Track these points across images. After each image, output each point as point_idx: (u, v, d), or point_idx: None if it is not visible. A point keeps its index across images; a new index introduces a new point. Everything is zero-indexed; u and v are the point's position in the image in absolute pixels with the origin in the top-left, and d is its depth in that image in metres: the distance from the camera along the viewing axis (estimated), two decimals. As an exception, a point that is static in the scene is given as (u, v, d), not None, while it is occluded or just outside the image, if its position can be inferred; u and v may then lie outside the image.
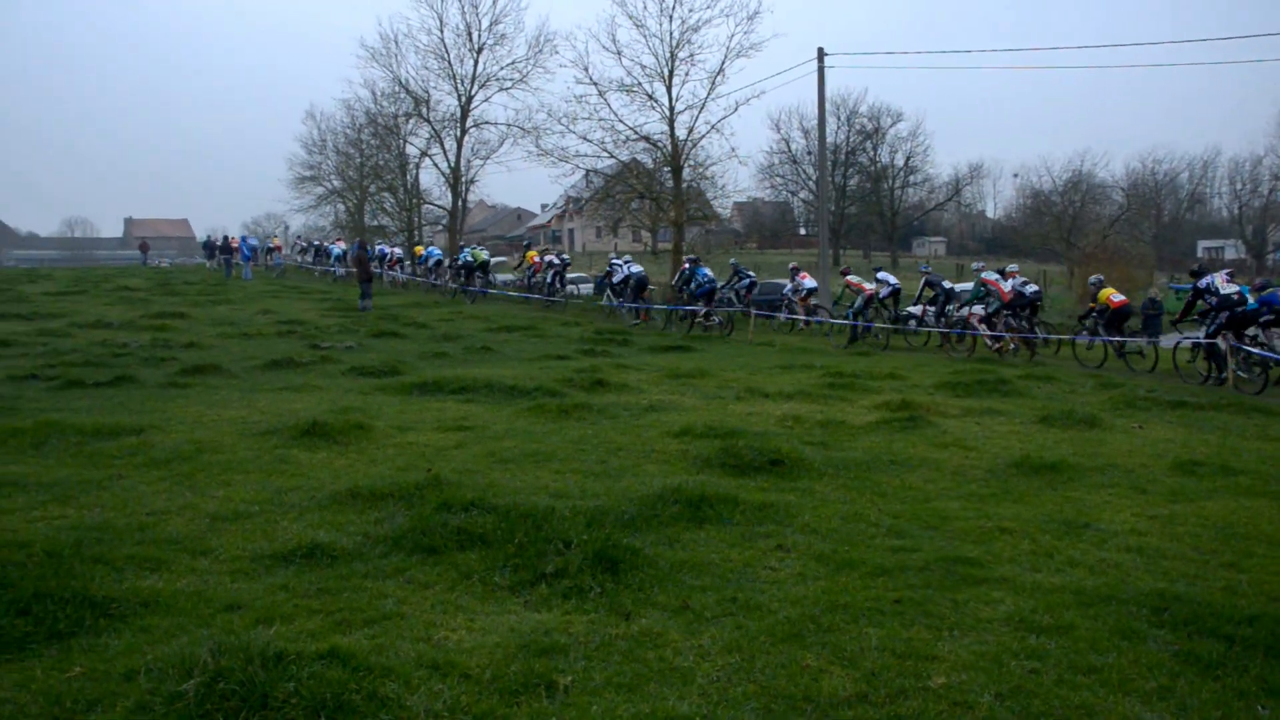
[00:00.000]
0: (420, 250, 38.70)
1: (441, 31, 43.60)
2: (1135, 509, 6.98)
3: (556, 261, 31.26)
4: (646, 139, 35.45)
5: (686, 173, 35.41)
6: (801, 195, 78.63)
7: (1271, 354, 14.98)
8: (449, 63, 43.94)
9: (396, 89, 46.11)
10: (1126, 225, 66.17)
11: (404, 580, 5.19)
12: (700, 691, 3.94)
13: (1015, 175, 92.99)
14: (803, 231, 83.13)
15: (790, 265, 28.64)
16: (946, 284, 22.36)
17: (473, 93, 44.11)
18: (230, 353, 16.43)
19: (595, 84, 34.85)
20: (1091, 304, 20.06)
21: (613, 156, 36.44)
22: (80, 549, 5.41)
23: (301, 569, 5.34)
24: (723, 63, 34.33)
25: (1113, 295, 19.34)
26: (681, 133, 34.96)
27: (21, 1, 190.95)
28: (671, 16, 34.14)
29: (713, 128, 34.81)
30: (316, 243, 48.88)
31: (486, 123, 45.24)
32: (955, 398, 12.60)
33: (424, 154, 48.11)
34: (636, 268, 26.96)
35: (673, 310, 25.52)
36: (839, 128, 72.19)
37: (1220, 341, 15.60)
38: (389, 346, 18.14)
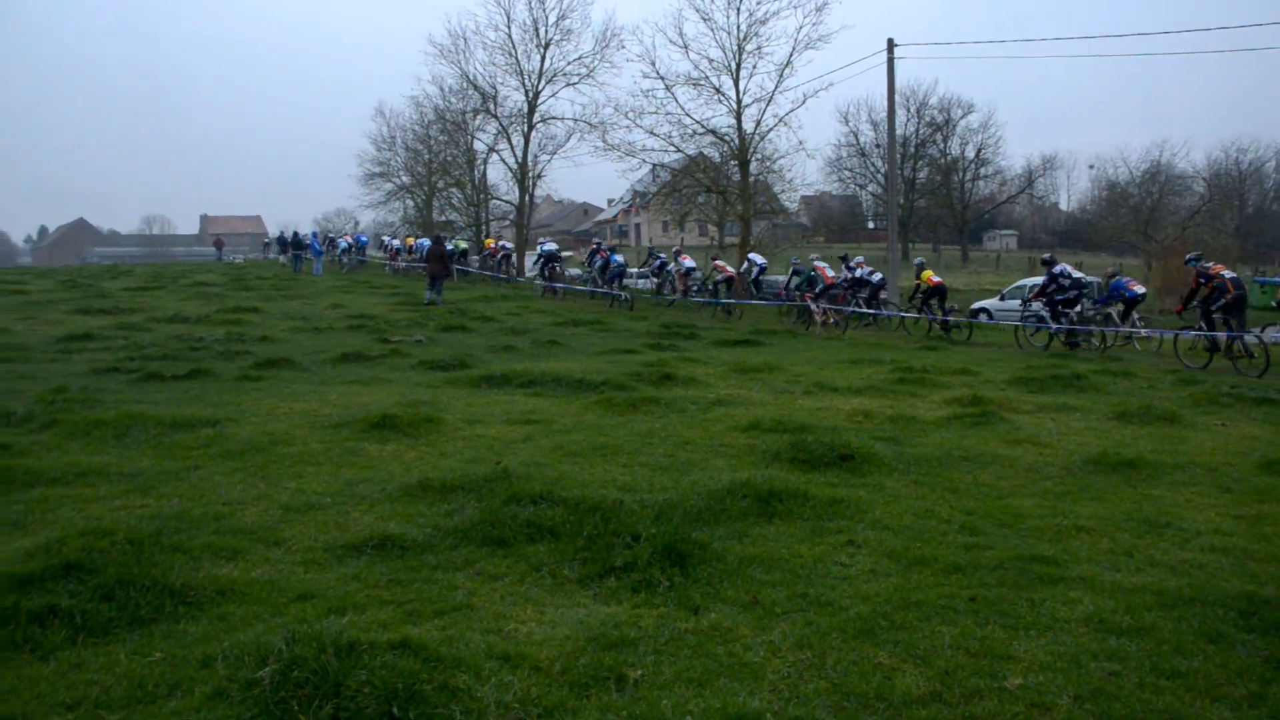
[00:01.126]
0: (411, 241, 43.91)
1: (509, 27, 43.79)
2: (1220, 508, 6.76)
3: (509, 246, 39.01)
4: (713, 133, 35.26)
5: (754, 166, 35.16)
6: (870, 188, 77.85)
7: (1117, 328, 19.56)
8: (516, 58, 44.11)
9: (464, 85, 46.40)
10: (1208, 217, 64.18)
11: (474, 572, 5.22)
12: (771, 687, 3.89)
13: (1090, 166, 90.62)
14: (871, 225, 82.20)
15: (674, 249, 32.04)
16: (809, 271, 25.95)
17: (540, 88, 44.25)
18: (302, 346, 16.72)
19: (662, 78, 34.81)
20: (917, 282, 23.98)
21: (679, 150, 36.35)
22: (160, 538, 5.53)
23: (373, 560, 5.40)
24: (790, 55, 34.04)
25: (931, 276, 23.44)
26: (749, 126, 34.73)
27: (103, 11, 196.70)
28: (739, 9, 33.90)
29: (780, 121, 34.51)
30: (331, 236, 55.07)
31: (553, 118, 45.34)
32: (1029, 393, 12.35)
33: (491, 149, 48.40)
34: (550, 246, 32.75)
35: (594, 292, 30.20)
36: (908, 120, 71.23)
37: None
38: (457, 340, 18.32)
